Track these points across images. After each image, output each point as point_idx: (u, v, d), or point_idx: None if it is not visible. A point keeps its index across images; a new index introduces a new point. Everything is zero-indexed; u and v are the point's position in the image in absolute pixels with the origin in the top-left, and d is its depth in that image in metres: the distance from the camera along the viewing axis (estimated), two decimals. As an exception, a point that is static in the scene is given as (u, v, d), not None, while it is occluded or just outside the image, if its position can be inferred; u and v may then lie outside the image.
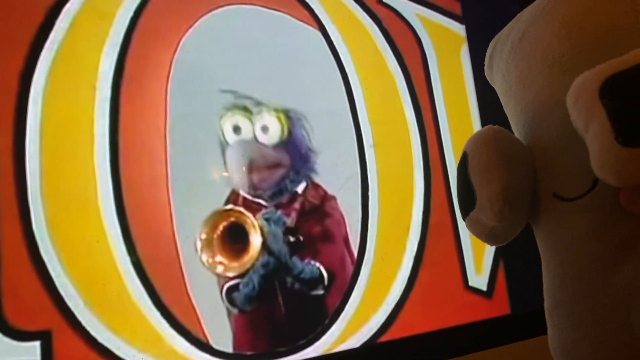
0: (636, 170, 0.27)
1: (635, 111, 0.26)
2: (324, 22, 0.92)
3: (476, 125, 0.98)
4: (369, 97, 0.93)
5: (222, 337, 0.78)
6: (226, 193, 0.82)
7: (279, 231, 0.85)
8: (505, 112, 0.44)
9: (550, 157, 0.35)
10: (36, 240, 0.72)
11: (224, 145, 0.84)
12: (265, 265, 0.83)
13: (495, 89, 0.46)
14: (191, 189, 0.80)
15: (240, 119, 0.85)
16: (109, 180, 0.76)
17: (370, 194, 0.91)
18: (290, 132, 0.88)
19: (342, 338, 0.85)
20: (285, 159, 0.87)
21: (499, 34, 0.44)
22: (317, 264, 0.86)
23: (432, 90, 0.98)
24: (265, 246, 0.83)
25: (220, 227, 0.81)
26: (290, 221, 0.86)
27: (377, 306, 0.88)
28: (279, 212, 0.85)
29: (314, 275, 0.85)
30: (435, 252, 0.93)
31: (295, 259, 0.85)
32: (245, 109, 0.86)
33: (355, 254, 0.89)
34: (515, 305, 0.96)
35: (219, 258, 0.80)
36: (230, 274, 0.81)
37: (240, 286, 0.81)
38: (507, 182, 0.34)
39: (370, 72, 0.94)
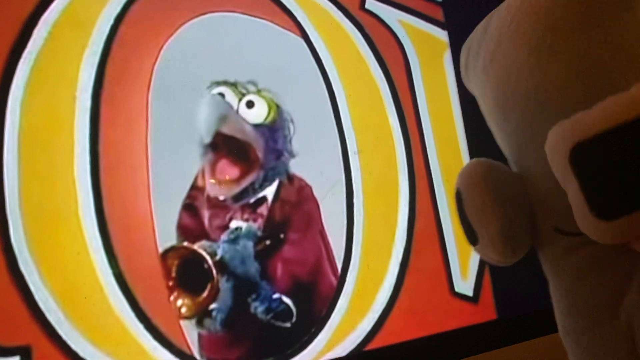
0: (613, 237, 0.28)
1: (604, 183, 0.27)
2: (306, 30, 0.92)
3: (459, 130, 0.98)
4: (353, 104, 0.93)
5: (208, 349, 0.77)
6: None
7: (249, 247, 0.83)
8: (487, 124, 0.43)
9: (546, 193, 0.35)
10: (15, 252, 0.70)
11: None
12: (232, 288, 0.81)
13: (474, 96, 0.45)
14: (173, 198, 0.79)
15: (226, 90, 0.85)
16: (89, 190, 0.75)
17: (355, 200, 0.91)
18: (274, 122, 0.88)
19: (329, 347, 0.84)
20: (259, 145, 0.86)
21: (469, 38, 0.44)
22: (286, 300, 0.84)
23: (415, 96, 0.98)
24: (226, 272, 0.81)
25: (173, 270, 0.78)
26: (257, 227, 0.84)
27: (364, 314, 0.88)
28: (248, 223, 0.83)
29: (280, 310, 0.83)
30: (421, 258, 0.93)
31: (265, 284, 0.83)
32: (234, 85, 0.85)
33: (341, 261, 0.88)
34: (501, 310, 0.96)
35: (179, 302, 0.78)
36: (193, 313, 0.78)
37: (214, 313, 0.79)
38: (504, 222, 0.34)
39: (353, 78, 0.94)
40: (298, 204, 0.87)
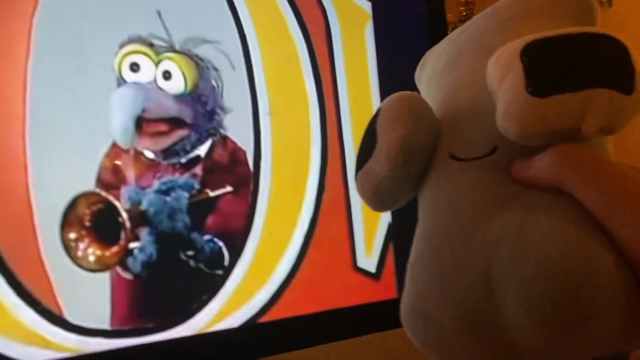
0: (538, 119, 0.28)
1: (551, 66, 0.28)
2: (224, -23, 0.85)
3: (376, 102, 0.96)
4: (268, 62, 0.87)
5: (79, 310, 0.69)
6: (101, 144, 0.72)
7: (183, 199, 0.76)
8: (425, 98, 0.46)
9: (456, 123, 0.37)
10: None
11: (119, 82, 0.74)
12: (156, 241, 0.74)
13: (420, 86, 0.48)
14: (53, 136, 0.70)
15: (141, 57, 0.76)
16: (-50, 120, 0.64)
17: (262, 164, 0.85)
18: (196, 84, 0.80)
19: (220, 316, 0.78)
20: (187, 114, 0.79)
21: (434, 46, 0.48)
22: (219, 243, 0.79)
23: (334, 63, 0.94)
24: (149, 225, 0.74)
25: (87, 217, 0.71)
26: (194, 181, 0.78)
27: (261, 284, 0.83)
28: (185, 175, 0.77)
29: (213, 254, 0.78)
30: (326, 230, 0.89)
31: (196, 235, 0.77)
32: (151, 46, 0.77)
33: (242, 227, 0.82)
34: (402, 290, 0.94)
35: (91, 250, 0.70)
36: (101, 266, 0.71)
37: (136, 251, 0.72)
38: (409, 132, 0.36)
39: (270, 35, 0.88)
40: (232, 166, 0.82)
